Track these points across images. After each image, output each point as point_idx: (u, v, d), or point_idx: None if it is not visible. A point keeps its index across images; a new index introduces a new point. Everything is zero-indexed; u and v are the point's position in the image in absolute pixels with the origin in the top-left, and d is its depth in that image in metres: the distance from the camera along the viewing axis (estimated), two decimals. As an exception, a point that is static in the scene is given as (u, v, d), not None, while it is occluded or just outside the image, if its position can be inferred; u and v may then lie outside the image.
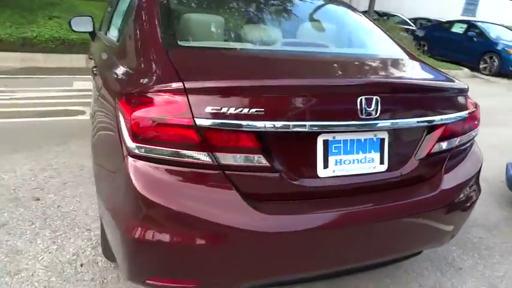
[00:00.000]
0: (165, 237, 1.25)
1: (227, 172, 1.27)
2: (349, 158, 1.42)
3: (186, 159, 1.24)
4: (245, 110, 1.23)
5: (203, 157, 1.24)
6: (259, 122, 1.24)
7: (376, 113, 1.36)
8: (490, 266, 2.26)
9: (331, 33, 2.06)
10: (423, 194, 1.52)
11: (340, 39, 2.05)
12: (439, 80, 1.64)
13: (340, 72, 1.60)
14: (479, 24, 12.22)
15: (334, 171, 1.39)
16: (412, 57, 1.93)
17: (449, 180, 1.60)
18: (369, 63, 1.76)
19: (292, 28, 1.97)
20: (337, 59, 1.74)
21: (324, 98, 1.33)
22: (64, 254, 2.08)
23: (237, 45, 1.74)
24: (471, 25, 12.26)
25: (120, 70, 1.55)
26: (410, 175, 1.53)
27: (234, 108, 1.22)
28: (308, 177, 1.37)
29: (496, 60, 11.02)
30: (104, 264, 2.02)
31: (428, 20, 16.13)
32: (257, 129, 1.24)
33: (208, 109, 1.22)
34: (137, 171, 1.25)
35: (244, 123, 1.23)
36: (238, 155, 1.26)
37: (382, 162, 1.47)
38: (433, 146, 1.55)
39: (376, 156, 1.46)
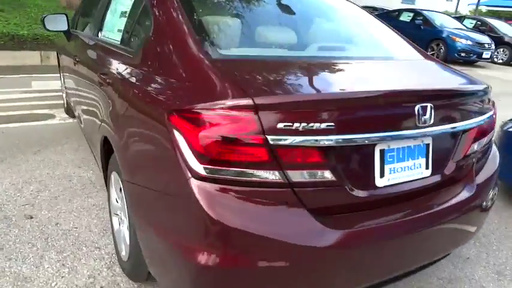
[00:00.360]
0: (238, 261, 1.19)
1: (295, 189, 1.23)
2: (401, 166, 1.43)
3: (255, 179, 1.19)
4: (315, 125, 1.19)
5: (273, 175, 1.19)
6: (329, 136, 1.20)
7: (430, 120, 1.38)
8: (492, 254, 2.41)
9: (357, 36, 2.05)
10: (463, 195, 1.58)
11: (367, 42, 2.05)
12: (470, 83, 1.69)
13: (396, 80, 1.60)
14: (424, 12, 12.82)
15: (389, 179, 1.40)
16: (430, 57, 1.98)
17: (480, 179, 1.67)
18: (407, 67, 1.78)
19: (328, 32, 1.94)
20: (380, 65, 1.73)
21: (387, 108, 1.33)
22: (79, 277, 1.93)
23: (283, 53, 1.67)
24: (417, 13, 12.85)
25: (157, 83, 1.44)
26: (450, 177, 1.58)
27: (304, 124, 1.18)
28: (367, 187, 1.36)
29: (443, 47, 11.68)
30: (126, 284, 1.90)
31: (374, 9, 16.65)
32: (326, 144, 1.21)
33: (279, 125, 1.16)
34: (206, 194, 1.17)
35: (314, 138, 1.19)
36: (306, 171, 1.23)
37: (427, 167, 1.50)
38: (469, 148, 1.61)
39: (423, 161, 1.49)
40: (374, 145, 1.35)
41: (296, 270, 1.23)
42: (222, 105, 1.17)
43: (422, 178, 1.50)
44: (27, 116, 4.12)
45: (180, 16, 1.56)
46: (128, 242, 1.73)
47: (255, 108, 1.15)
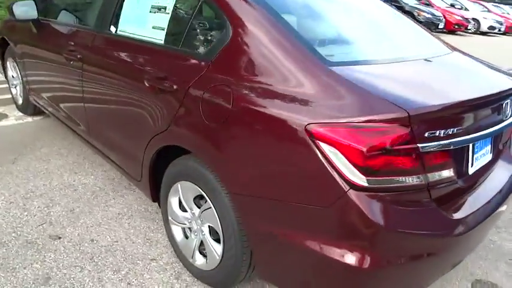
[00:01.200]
0: (397, 260, 1.32)
1: (432, 191, 1.37)
2: (480, 154, 1.65)
3: (405, 184, 1.29)
4: (451, 130, 1.33)
5: (417, 179, 1.30)
6: (458, 138, 1.36)
7: (510, 115, 1.61)
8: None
9: (401, 33, 2.16)
10: (509, 167, 1.87)
11: (411, 40, 2.17)
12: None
13: (477, 81, 1.77)
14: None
15: (475, 167, 1.61)
16: (456, 49, 2.22)
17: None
18: (461, 65, 1.96)
19: (386, 33, 2.00)
20: (440, 64, 1.88)
21: (489, 106, 1.52)
22: (154, 295, 1.86)
23: (384, 56, 1.71)
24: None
25: (275, 95, 1.41)
26: (497, 155, 1.86)
27: (443, 129, 1.31)
28: (464, 177, 1.55)
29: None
30: (207, 292, 1.89)
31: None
32: (455, 146, 1.36)
33: (426, 134, 1.28)
34: (368, 203, 1.25)
35: (449, 141, 1.33)
36: (437, 172, 1.37)
37: (491, 152, 1.75)
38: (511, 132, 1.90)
39: (489, 147, 1.73)
40: None
41: (435, 259, 1.40)
42: (380, 118, 1.23)
43: (488, 163, 1.74)
44: (-27, 119, 3.54)
45: (277, 20, 1.53)
46: (220, 250, 1.71)
47: (409, 119, 1.24)
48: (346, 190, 1.26)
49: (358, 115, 1.26)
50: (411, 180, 1.30)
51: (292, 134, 1.34)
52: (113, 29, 2.24)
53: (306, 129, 1.30)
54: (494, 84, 1.68)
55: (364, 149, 1.23)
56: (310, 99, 1.36)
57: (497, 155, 1.82)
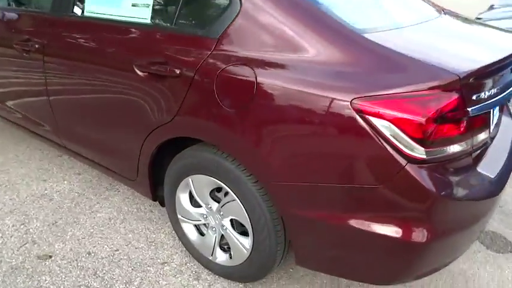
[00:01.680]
0: (453, 234, 1.31)
1: (473, 155, 1.35)
2: (496, 111, 1.67)
3: (456, 150, 1.25)
4: (492, 91, 1.30)
5: (466, 145, 1.27)
6: (496, 98, 1.34)
7: None
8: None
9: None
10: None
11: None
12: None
13: (499, 38, 1.73)
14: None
15: (492, 127, 1.62)
16: (446, 11, 2.19)
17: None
18: (457, 25, 1.93)
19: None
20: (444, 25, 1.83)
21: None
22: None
23: (395, 23, 1.61)
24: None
25: (307, 68, 1.27)
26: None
27: (485, 91, 1.28)
28: (488, 135, 1.56)
29: None
30: (232, 288, 1.77)
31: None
32: (496, 105, 1.34)
33: (473, 96, 1.23)
34: (427, 177, 1.19)
35: (489, 102, 1.30)
36: (482, 135, 1.35)
37: (500, 110, 1.78)
38: None
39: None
40: None
41: (476, 225, 1.40)
42: (433, 85, 1.16)
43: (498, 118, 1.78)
44: None
45: None
46: (249, 243, 1.59)
47: (460, 83, 1.18)
48: (403, 165, 1.19)
49: (410, 84, 1.18)
50: (462, 146, 1.27)
51: (334, 112, 1.23)
52: (77, 10, 1.93)
53: (351, 105, 1.20)
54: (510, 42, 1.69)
55: (422, 120, 1.15)
56: (351, 72, 1.25)
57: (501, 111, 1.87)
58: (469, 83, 1.23)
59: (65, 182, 2.48)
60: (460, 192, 1.28)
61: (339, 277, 1.61)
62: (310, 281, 1.84)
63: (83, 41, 1.86)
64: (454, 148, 1.25)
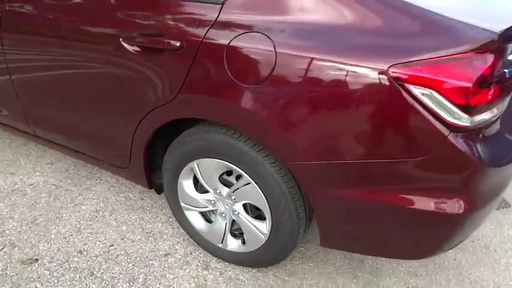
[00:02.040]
0: (487, 205, 1.28)
1: (499, 120, 1.30)
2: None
3: (491, 116, 1.19)
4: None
5: (496, 110, 1.21)
6: None
7: None
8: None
9: None
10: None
11: None
12: None
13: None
14: None
15: None
16: None
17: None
18: None
19: None
20: None
21: None
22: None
23: None
24: None
25: (336, 34, 1.13)
26: None
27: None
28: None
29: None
30: (247, 275, 1.66)
31: None
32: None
33: (510, 57, 1.17)
34: (470, 146, 1.12)
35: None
36: (508, 98, 1.29)
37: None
38: None
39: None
40: None
41: (500, 195, 1.37)
42: (474, 46, 1.07)
43: None
44: None
45: None
46: (267, 228, 1.48)
47: (499, 43, 1.10)
48: (446, 135, 1.11)
49: (450, 46, 1.08)
50: (496, 111, 1.21)
51: (368, 82, 1.11)
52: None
53: (388, 73, 1.09)
54: None
55: (468, 84, 1.07)
56: (385, 36, 1.13)
57: None
58: (506, 43, 1.15)
59: (37, 173, 2.22)
60: (496, 159, 1.23)
61: (367, 255, 1.56)
62: (323, 258, 1.78)
63: (53, 14, 1.58)
64: (492, 113, 1.18)
